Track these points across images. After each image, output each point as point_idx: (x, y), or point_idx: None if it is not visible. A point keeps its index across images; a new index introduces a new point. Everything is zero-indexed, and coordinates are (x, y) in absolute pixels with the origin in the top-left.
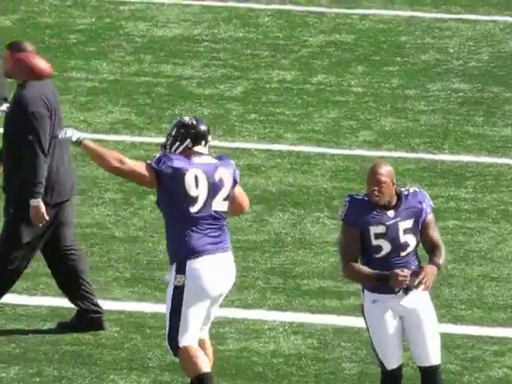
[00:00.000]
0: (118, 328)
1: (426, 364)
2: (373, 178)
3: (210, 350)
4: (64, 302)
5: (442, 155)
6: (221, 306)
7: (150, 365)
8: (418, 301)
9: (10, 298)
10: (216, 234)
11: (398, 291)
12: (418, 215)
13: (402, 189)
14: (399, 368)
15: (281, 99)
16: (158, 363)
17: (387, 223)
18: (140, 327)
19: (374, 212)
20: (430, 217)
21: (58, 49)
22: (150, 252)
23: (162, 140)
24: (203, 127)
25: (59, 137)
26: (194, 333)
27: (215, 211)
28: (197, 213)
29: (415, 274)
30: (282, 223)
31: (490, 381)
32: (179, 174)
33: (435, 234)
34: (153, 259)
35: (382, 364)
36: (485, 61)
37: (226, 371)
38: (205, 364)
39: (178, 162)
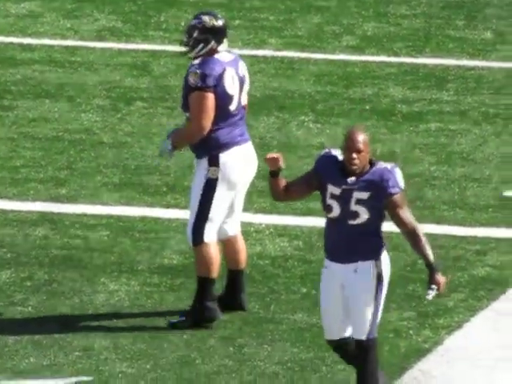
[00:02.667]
0: (108, 232)
1: (351, 335)
2: (352, 145)
3: (243, 245)
4: (54, 207)
5: (424, 59)
6: None
7: (140, 268)
8: (358, 275)
9: (0, 203)
10: (241, 126)
11: None
12: (376, 192)
13: (381, 162)
14: (340, 341)
15: (265, 5)
16: (147, 266)
17: (343, 187)
18: (129, 231)
19: (338, 172)
20: (396, 198)
21: None
22: (137, 157)
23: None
24: (222, 22)
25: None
26: (217, 226)
27: (242, 106)
28: (234, 110)
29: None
30: (267, 127)
31: (473, 279)
32: (222, 78)
33: (404, 215)
34: (141, 164)
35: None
36: None
37: None
38: (217, 269)
39: (217, 68)
